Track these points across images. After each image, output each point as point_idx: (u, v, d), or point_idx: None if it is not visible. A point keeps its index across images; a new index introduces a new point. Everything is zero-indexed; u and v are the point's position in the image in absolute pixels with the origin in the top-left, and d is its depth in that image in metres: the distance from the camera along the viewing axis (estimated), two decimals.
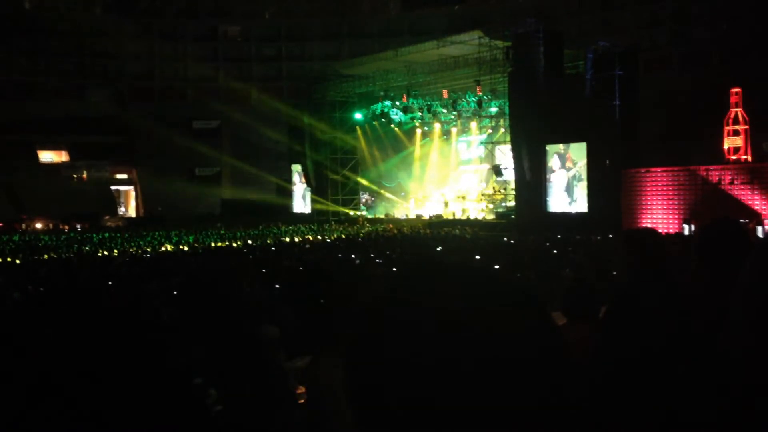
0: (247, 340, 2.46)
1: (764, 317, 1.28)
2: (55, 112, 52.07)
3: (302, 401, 3.33)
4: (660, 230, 24.81)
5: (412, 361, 0.75)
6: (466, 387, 0.74)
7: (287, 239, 27.12)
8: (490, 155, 37.01)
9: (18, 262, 20.17)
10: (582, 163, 27.69)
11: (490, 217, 33.42)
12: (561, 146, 28.35)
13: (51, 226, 41.94)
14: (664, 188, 25.72)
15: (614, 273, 7.63)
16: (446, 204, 37.43)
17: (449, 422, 0.75)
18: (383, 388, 0.78)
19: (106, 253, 22.36)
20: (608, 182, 26.45)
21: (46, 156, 53.73)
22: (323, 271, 2.74)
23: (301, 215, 41.00)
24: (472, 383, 0.74)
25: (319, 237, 27.51)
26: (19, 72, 53.73)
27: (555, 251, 17.39)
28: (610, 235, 23.05)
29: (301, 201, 42.25)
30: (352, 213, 39.88)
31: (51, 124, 51.45)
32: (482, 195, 36.42)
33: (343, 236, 27.57)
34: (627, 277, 2.98)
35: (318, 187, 40.28)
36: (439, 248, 18.79)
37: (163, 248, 23.86)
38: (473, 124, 37.12)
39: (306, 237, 27.83)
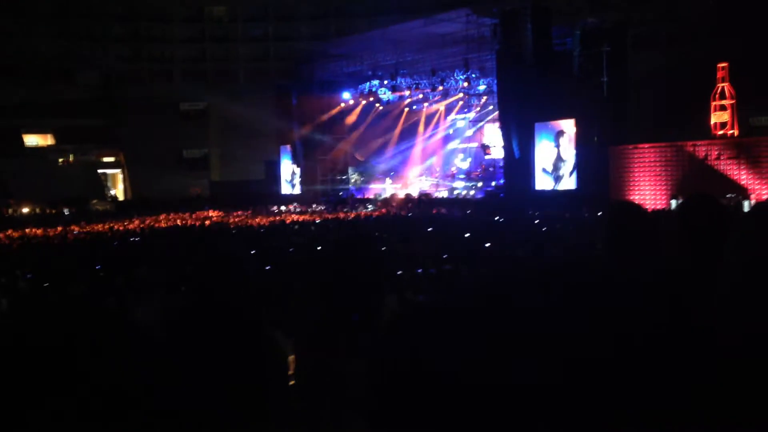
0: (250, 329, 2.42)
1: (751, 283, 1.31)
2: (40, 96, 51.53)
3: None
4: (648, 206, 24.96)
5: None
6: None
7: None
8: (479, 133, 36.98)
9: None
10: (570, 140, 27.69)
11: (479, 195, 33.45)
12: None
13: (38, 210, 41.70)
14: (652, 164, 25.80)
15: (599, 248, 7.63)
16: (436, 183, 37.44)
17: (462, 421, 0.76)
18: (408, 389, 0.77)
19: None
20: (596, 159, 26.50)
21: (32, 140, 53.24)
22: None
23: (290, 196, 40.89)
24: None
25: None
26: (3, 55, 53.03)
27: (544, 228, 17.49)
28: (599, 213, 23.18)
29: (290, 182, 42.13)
30: (341, 194, 39.82)
31: (36, 108, 50.92)
32: (471, 173, 36.44)
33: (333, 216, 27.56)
34: (613, 254, 2.96)
35: (307, 167, 40.16)
36: (429, 229, 18.84)
37: None
38: (461, 103, 37.03)
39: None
